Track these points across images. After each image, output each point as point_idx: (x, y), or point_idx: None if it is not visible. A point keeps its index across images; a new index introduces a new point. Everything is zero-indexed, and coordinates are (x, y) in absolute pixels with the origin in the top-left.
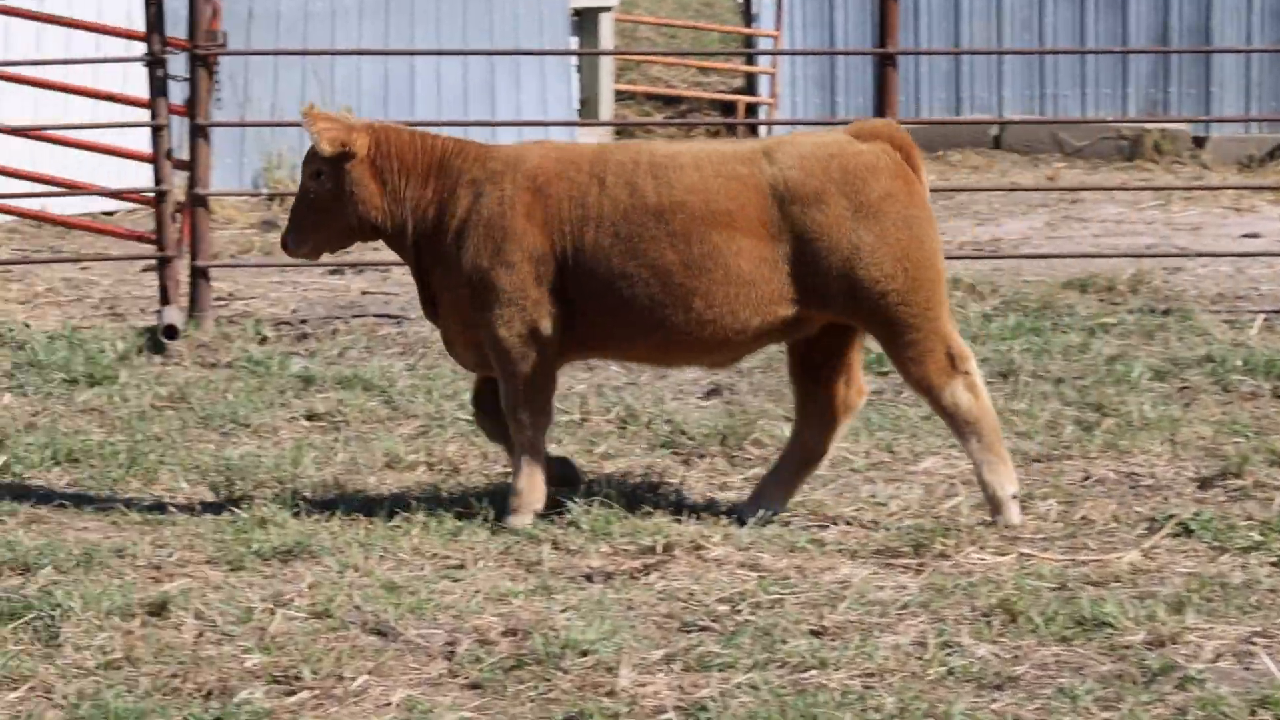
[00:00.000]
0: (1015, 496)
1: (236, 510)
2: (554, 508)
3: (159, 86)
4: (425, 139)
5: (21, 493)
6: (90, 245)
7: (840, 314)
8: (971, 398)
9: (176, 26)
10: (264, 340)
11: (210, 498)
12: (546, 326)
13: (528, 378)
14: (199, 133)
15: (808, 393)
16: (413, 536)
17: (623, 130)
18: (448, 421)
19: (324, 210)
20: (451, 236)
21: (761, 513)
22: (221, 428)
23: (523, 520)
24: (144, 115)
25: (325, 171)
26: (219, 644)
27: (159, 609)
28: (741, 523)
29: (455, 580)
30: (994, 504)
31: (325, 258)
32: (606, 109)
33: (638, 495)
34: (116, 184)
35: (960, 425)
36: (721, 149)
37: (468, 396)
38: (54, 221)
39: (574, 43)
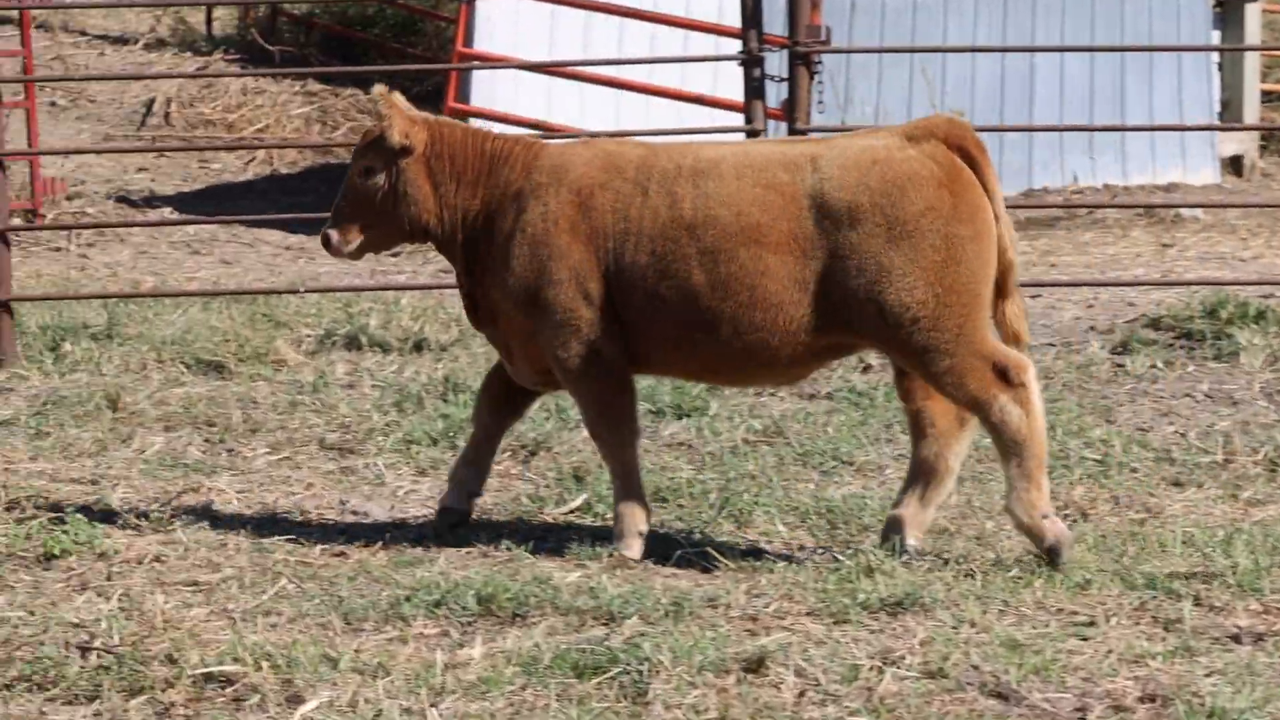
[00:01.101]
0: (1046, 517)
1: (840, 557)
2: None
3: (755, 88)
4: (478, 139)
5: (604, 535)
6: None
7: (867, 338)
8: (1021, 413)
9: (772, 22)
10: (867, 369)
11: (810, 542)
12: (604, 345)
13: (598, 397)
14: None
15: (915, 409)
16: (1035, 589)
17: (1269, 135)
18: (1073, 462)
19: (373, 209)
20: (500, 251)
21: (897, 540)
22: (822, 465)
23: (633, 549)
24: (736, 120)
25: (378, 167)
26: (822, 704)
27: (756, 665)
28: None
29: (1084, 639)
30: (1026, 534)
31: None
32: (1251, 111)
33: None
34: None
35: (1004, 443)
36: (772, 150)
37: (1092, 431)
38: None
39: (1216, 37)
